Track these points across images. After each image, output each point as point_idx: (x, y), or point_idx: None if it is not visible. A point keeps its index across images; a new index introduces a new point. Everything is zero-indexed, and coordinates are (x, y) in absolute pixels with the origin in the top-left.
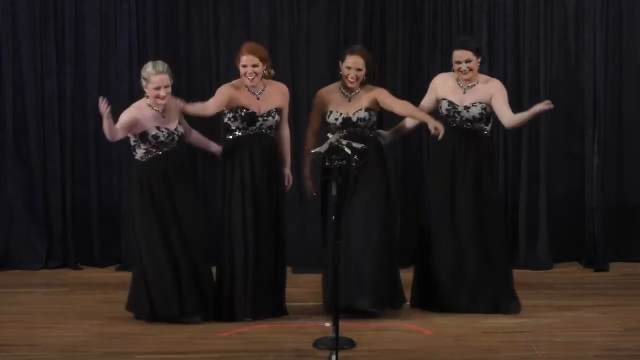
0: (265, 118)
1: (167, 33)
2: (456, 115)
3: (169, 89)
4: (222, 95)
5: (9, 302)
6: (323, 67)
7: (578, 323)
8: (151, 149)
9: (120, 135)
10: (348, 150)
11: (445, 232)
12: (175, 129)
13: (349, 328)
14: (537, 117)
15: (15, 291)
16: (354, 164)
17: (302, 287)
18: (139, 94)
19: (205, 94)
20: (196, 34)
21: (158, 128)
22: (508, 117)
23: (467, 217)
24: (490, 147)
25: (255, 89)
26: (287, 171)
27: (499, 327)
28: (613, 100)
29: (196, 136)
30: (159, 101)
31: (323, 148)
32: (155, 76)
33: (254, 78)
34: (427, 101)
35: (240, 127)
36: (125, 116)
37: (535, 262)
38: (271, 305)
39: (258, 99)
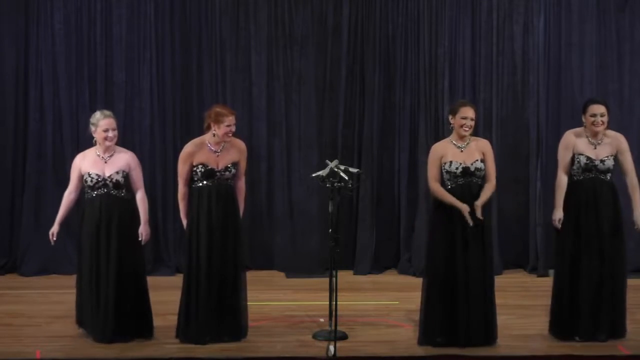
0: (223, 173)
1: (182, 76)
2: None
3: (116, 132)
4: (184, 168)
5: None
6: (312, 105)
7: (525, 319)
8: (86, 190)
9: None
10: (344, 175)
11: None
12: (110, 177)
13: (340, 323)
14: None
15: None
16: (349, 186)
17: (295, 288)
18: (159, 127)
19: None
20: (206, 77)
21: (89, 174)
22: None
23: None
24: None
25: (217, 147)
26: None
27: None
28: (553, 134)
29: (139, 202)
30: (107, 143)
31: (325, 172)
32: (103, 120)
33: (231, 135)
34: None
35: (201, 179)
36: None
37: None
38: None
39: (217, 156)
